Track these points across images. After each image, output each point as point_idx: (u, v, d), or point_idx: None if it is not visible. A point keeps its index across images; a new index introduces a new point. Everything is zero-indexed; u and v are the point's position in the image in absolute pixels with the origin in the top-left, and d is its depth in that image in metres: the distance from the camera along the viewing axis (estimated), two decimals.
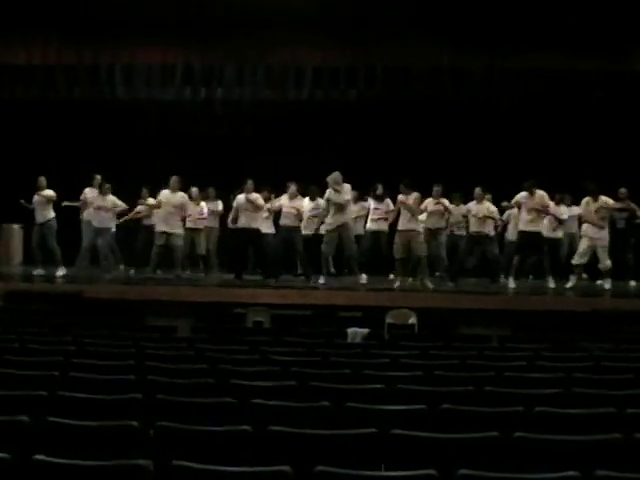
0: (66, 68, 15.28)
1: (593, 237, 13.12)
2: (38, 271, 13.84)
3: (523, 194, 13.06)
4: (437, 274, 14.38)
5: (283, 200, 14.01)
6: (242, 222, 13.39)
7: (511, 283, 13.31)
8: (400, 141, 16.32)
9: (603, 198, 13.17)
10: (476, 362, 7.13)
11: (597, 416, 5.22)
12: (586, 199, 13.22)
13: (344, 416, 5.17)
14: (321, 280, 13.23)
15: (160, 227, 13.55)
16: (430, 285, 12.98)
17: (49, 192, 13.86)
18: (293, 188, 13.96)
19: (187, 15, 14.53)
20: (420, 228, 13.37)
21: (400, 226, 13.19)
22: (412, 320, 10.27)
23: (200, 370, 6.51)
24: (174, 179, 13.57)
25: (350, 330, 9.24)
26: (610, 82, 14.70)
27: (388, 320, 10.18)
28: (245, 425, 4.61)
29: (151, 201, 14.21)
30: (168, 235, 13.45)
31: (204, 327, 9.69)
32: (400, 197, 13.16)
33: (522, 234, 13.17)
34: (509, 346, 8.35)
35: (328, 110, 16.24)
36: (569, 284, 13.33)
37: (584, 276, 13.83)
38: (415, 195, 13.20)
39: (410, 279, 13.25)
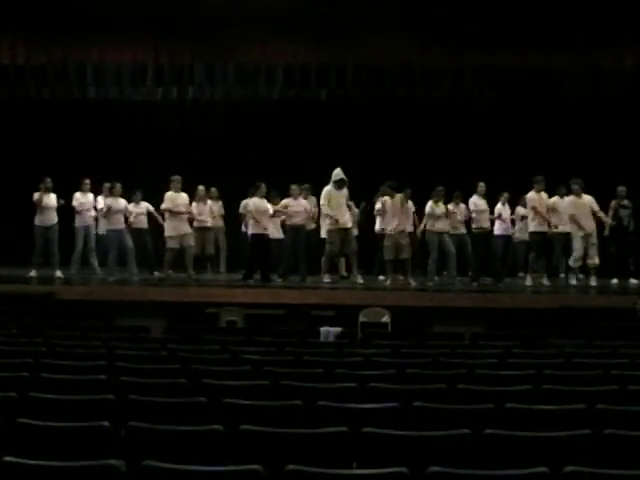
0: (35, 68, 15.16)
1: (585, 233, 13.05)
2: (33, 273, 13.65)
3: (533, 194, 13.23)
4: (469, 274, 14.30)
5: (287, 201, 13.95)
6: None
7: (528, 281, 13.40)
8: (372, 140, 16.32)
9: (588, 197, 13.20)
10: (448, 360, 7.17)
11: (567, 412, 5.27)
12: (571, 197, 13.24)
13: (316, 415, 5.19)
14: (326, 279, 13.24)
15: (172, 231, 13.35)
16: (414, 283, 13.13)
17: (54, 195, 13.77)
18: (295, 188, 13.97)
19: (156, 13, 14.44)
20: (409, 229, 13.60)
21: (390, 228, 13.21)
22: (385, 318, 10.30)
23: (172, 370, 6.49)
24: (177, 179, 13.46)
25: (323, 329, 9.26)
26: (584, 79, 14.78)
27: (361, 319, 10.20)
28: (217, 425, 4.61)
29: (143, 206, 14.19)
30: (181, 237, 13.35)
31: (177, 327, 9.67)
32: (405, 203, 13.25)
33: (534, 235, 13.34)
34: (481, 344, 8.40)
35: (299, 109, 16.25)
36: (572, 281, 13.26)
37: (580, 276, 13.76)
38: (399, 196, 13.32)
39: (401, 277, 13.34)
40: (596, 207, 13.19)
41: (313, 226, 14.13)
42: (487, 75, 14.95)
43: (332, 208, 12.95)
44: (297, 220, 13.78)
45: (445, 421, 4.97)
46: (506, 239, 14.22)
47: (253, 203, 13.38)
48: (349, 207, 13.43)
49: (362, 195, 14.18)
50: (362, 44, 14.69)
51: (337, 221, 12.93)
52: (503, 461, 4.39)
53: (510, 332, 9.31)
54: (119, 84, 15.43)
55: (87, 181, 14.04)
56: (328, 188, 12.99)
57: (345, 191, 13.08)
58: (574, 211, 13.06)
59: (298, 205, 13.83)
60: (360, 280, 13.16)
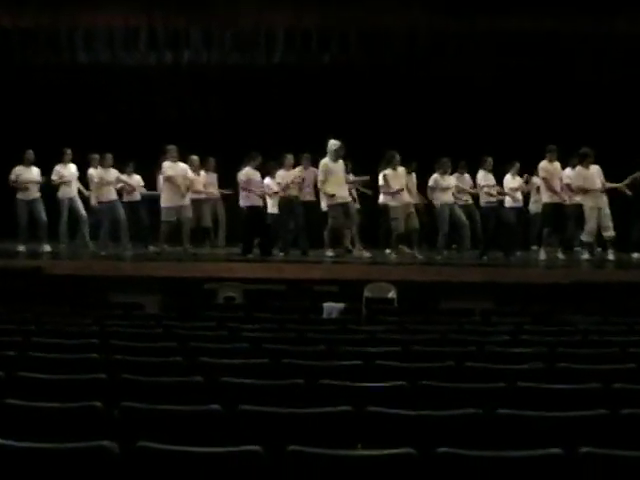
0: (23, 32, 15.05)
1: (596, 204, 12.94)
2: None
3: (545, 163, 13.14)
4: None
5: (280, 173, 13.89)
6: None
7: (542, 255, 13.37)
8: (375, 108, 16.22)
9: (596, 167, 13.07)
10: (457, 337, 7.16)
11: (582, 392, 5.25)
12: (578, 167, 13.11)
13: (318, 394, 5.17)
14: (329, 253, 13.23)
15: (169, 202, 13.20)
16: (420, 256, 13.12)
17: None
18: (290, 157, 13.91)
19: None
20: (414, 200, 13.61)
21: (396, 200, 13.16)
22: (391, 294, 10.30)
23: (168, 348, 6.48)
24: (173, 148, 13.32)
25: (326, 305, 9.25)
26: (600, 44, 14.67)
27: (366, 294, 10.21)
28: (214, 404, 4.60)
29: (136, 178, 14.15)
30: (178, 209, 13.30)
31: (173, 303, 9.67)
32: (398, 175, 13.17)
33: (547, 206, 13.29)
34: (491, 320, 8.40)
35: (300, 75, 16.14)
36: (584, 256, 13.19)
37: (598, 250, 13.68)
38: (402, 168, 13.28)
39: (408, 250, 13.33)
40: (601, 177, 13.07)
41: (313, 198, 14.06)
42: (496, 40, 14.84)
43: (331, 183, 12.86)
44: (290, 192, 13.72)
45: (454, 400, 4.95)
46: (517, 211, 14.14)
47: (245, 174, 13.31)
48: (351, 182, 13.45)
49: (364, 165, 14.09)
50: (367, 7, 14.55)
51: (333, 196, 12.88)
52: (515, 442, 4.37)
53: (522, 308, 9.30)
54: (111, 48, 15.33)
55: (68, 151, 13.90)
56: (325, 161, 12.88)
57: (341, 163, 12.98)
58: (581, 182, 12.95)
59: (291, 175, 13.78)
60: (365, 254, 13.11)
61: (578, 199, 13.08)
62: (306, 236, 13.81)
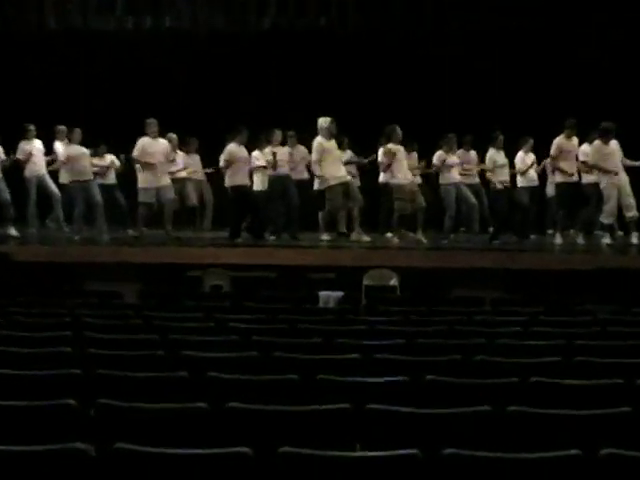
0: None
1: (615, 182, 12.90)
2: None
3: (560, 139, 13.10)
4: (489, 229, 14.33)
5: (268, 149, 13.85)
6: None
7: (557, 239, 13.38)
8: (376, 77, 16.19)
9: (615, 142, 13.01)
10: (465, 328, 7.18)
11: (602, 387, 5.26)
12: (597, 142, 13.06)
13: (314, 390, 5.19)
14: (325, 237, 13.26)
15: (146, 183, 13.13)
16: (425, 240, 13.13)
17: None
18: (278, 133, 13.89)
19: None
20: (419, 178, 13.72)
21: (399, 178, 13.16)
22: (393, 282, 10.32)
23: (148, 341, 6.50)
24: (152, 122, 13.21)
25: (322, 294, 9.27)
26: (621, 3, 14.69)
27: (366, 282, 10.22)
28: (200, 402, 4.60)
29: (109, 159, 14.15)
30: (157, 190, 13.24)
31: (153, 292, 9.67)
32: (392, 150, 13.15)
33: (561, 186, 13.28)
34: (503, 310, 8.40)
35: (294, 41, 16.11)
36: (605, 240, 13.16)
37: (619, 233, 13.68)
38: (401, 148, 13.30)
39: (411, 234, 13.35)
40: (621, 154, 13.01)
41: (306, 176, 14.05)
42: (507, 1, 14.84)
43: (327, 163, 12.85)
44: (281, 170, 13.71)
45: (462, 397, 4.96)
46: (531, 191, 14.14)
47: (229, 150, 13.27)
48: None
49: (363, 140, 14.08)
50: None
51: (330, 179, 12.88)
52: (529, 442, 4.39)
53: (536, 297, 9.31)
54: (83, 13, 15.26)
55: (32, 127, 13.85)
56: (319, 140, 12.85)
57: (333, 142, 12.97)
58: (597, 158, 12.90)
59: (282, 152, 13.76)
60: (365, 238, 13.11)
61: (594, 177, 13.08)
62: (298, 218, 13.80)
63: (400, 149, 13.16)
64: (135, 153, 13.20)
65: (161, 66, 16.56)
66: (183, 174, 14.42)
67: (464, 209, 13.82)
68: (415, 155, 14.05)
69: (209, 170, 14.79)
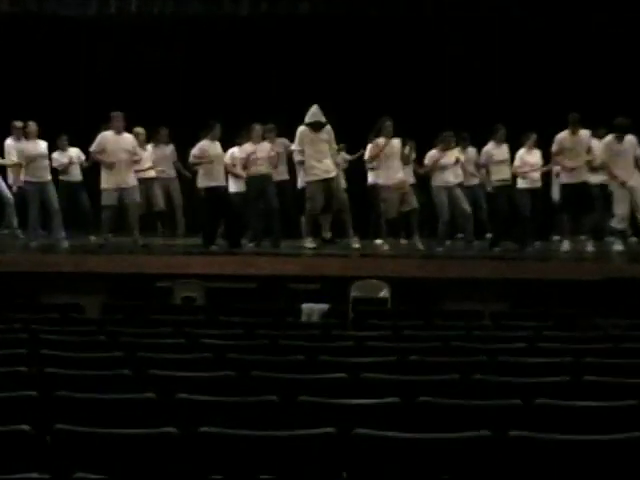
0: None
1: (628, 186, 12.92)
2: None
3: (563, 135, 13.07)
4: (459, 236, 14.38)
5: (247, 146, 13.86)
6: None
7: (564, 246, 13.36)
8: (363, 68, 16.28)
9: (630, 139, 13.01)
10: (463, 344, 7.18)
11: (614, 410, 5.27)
12: (609, 138, 13.08)
13: (295, 413, 5.18)
14: (309, 244, 13.18)
15: (107, 183, 13.00)
16: (421, 246, 13.16)
17: None
18: (257, 128, 13.86)
19: None
20: (411, 180, 13.67)
21: (387, 179, 13.18)
22: (384, 293, 10.32)
23: (113, 359, 6.49)
24: (118, 116, 13.09)
25: (305, 306, 9.29)
26: None
27: (353, 293, 10.22)
28: (169, 427, 4.58)
29: (71, 153, 14.12)
30: (122, 191, 13.16)
31: (118, 305, 9.64)
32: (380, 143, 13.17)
33: (566, 188, 13.25)
34: (504, 324, 8.42)
35: (273, 28, 16.18)
36: (617, 247, 13.15)
37: (633, 239, 13.68)
38: (398, 140, 13.30)
39: (405, 241, 13.35)
40: (637, 151, 13.01)
41: (286, 176, 14.07)
42: None
43: (309, 155, 12.87)
44: (261, 168, 13.67)
45: (459, 420, 4.96)
46: (533, 193, 14.18)
47: (200, 148, 13.25)
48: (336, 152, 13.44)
49: (349, 135, 14.10)
50: None
51: (306, 175, 12.92)
52: (532, 471, 4.38)
53: (541, 310, 9.33)
54: None
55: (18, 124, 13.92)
56: (302, 129, 12.90)
57: (325, 134, 12.96)
58: (607, 157, 12.92)
59: (261, 149, 13.73)
60: (356, 244, 13.10)
61: (602, 178, 13.13)
62: (279, 223, 13.77)
63: (391, 144, 13.16)
64: (92, 148, 13.14)
65: (125, 54, 16.60)
66: (152, 174, 14.37)
67: (457, 215, 13.76)
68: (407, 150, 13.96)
69: (187, 173, 14.73)
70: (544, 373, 6.11)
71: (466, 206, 13.55)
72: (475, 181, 14.35)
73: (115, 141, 12.99)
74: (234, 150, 13.80)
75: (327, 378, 5.94)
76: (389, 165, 13.17)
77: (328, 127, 12.91)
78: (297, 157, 13.14)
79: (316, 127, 12.82)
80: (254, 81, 16.19)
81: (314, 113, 12.87)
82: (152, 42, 16.56)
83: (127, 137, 13.15)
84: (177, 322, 8.15)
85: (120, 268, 11.63)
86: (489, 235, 14.20)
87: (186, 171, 14.61)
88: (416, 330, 7.93)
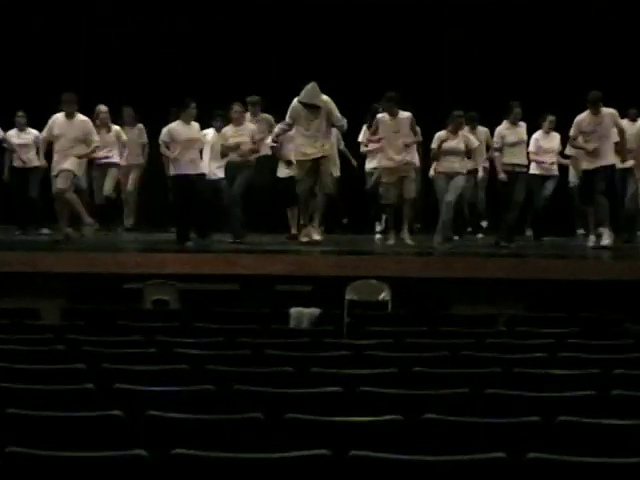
0: None
1: None
2: None
3: (582, 116, 13.05)
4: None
5: (227, 129, 13.84)
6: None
7: (591, 241, 13.33)
8: (365, 50, 16.57)
9: None
10: (474, 354, 7.20)
11: None
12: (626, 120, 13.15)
13: (283, 433, 5.19)
14: (315, 236, 13.25)
15: (54, 170, 13.15)
16: (410, 241, 13.19)
17: None
18: (237, 109, 13.83)
19: None
20: (416, 160, 13.63)
21: (387, 160, 13.21)
22: (384, 295, 10.33)
23: (74, 371, 6.49)
24: (69, 99, 13.14)
25: (294, 311, 9.32)
26: None
27: (349, 296, 10.23)
28: (138, 449, 4.59)
29: (27, 135, 14.16)
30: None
31: (80, 310, 9.65)
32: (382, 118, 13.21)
33: (586, 175, 13.24)
34: (522, 331, 8.43)
35: (272, 10, 16.88)
36: None
37: None
38: (407, 115, 13.30)
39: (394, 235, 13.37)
40: None
41: (268, 151, 14.15)
42: None
43: (300, 132, 12.93)
44: (235, 156, 13.63)
45: (469, 440, 4.97)
46: (548, 180, 14.24)
47: (169, 130, 13.24)
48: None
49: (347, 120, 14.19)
50: None
51: (294, 161, 13.00)
52: None
53: (564, 314, 9.33)
54: None
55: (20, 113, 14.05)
56: (296, 105, 12.96)
57: (322, 118, 12.99)
58: (634, 139, 12.98)
59: (243, 133, 13.69)
60: (316, 236, 13.10)
61: (630, 163, 13.17)
62: (239, 214, 13.77)
63: (399, 121, 13.19)
64: (43, 134, 13.23)
65: (94, 23, 16.83)
66: (114, 159, 14.46)
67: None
68: (418, 130, 13.91)
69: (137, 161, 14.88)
70: (567, 387, 6.12)
71: (452, 197, 13.50)
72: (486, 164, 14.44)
73: (64, 125, 13.02)
74: (208, 132, 13.84)
75: (319, 392, 5.94)
76: (390, 142, 13.19)
77: (327, 105, 12.94)
78: (277, 128, 13.35)
79: (311, 108, 12.87)
80: (252, 62, 16.48)
81: (311, 95, 12.92)
82: (151, 25, 16.86)
83: (79, 120, 13.17)
84: (147, 329, 8.16)
85: (81, 267, 11.60)
86: (484, 223, 14.29)
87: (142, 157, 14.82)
88: (420, 338, 7.96)
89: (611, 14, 16.21)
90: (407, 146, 13.27)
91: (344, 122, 13.23)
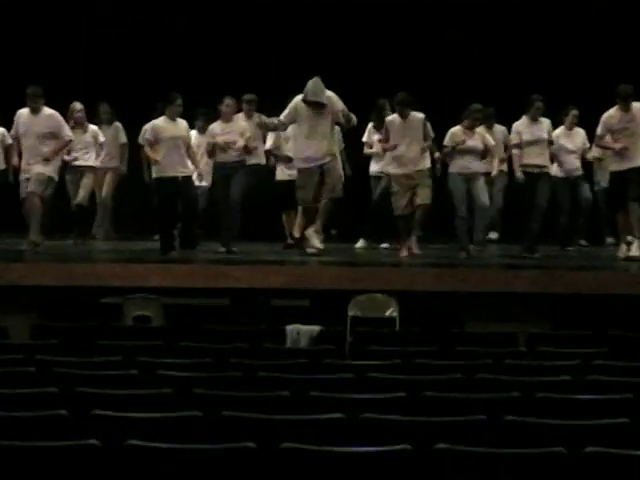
0: None
1: None
2: None
3: (611, 112, 13.02)
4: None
5: (214, 126, 13.82)
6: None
7: (622, 251, 13.30)
8: (365, 50, 16.77)
9: None
10: (492, 377, 7.20)
11: None
12: None
13: (279, 464, 5.18)
14: (316, 243, 13.16)
15: (23, 171, 13.25)
16: (417, 250, 13.27)
17: None
18: (229, 102, 13.81)
19: None
20: (428, 164, 13.62)
21: (399, 167, 13.22)
22: (391, 312, 10.32)
23: (45, 396, 6.47)
24: (34, 92, 13.14)
25: (290, 328, 9.32)
26: None
27: (352, 312, 10.22)
28: None
29: None
30: (30, 180, 13.08)
31: (52, 327, 9.63)
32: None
33: (615, 177, 13.21)
34: (544, 351, 8.44)
35: (272, 9, 17.21)
36: None
37: None
38: (420, 116, 13.29)
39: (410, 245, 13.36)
40: None
41: (262, 160, 14.14)
42: None
43: (300, 134, 12.92)
44: (230, 156, 13.61)
45: (486, 473, 4.96)
46: (572, 184, 14.26)
47: (152, 127, 13.23)
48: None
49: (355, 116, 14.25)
50: None
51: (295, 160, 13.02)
52: None
53: (592, 332, 9.32)
54: None
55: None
56: (299, 102, 12.93)
57: (327, 116, 12.98)
58: None
59: (232, 130, 13.68)
60: (317, 244, 13.04)
61: None
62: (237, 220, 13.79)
63: (412, 121, 13.19)
64: (11, 132, 13.28)
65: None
66: (90, 161, 14.50)
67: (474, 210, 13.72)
68: (429, 128, 13.89)
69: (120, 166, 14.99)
70: (596, 414, 6.11)
71: (483, 199, 13.48)
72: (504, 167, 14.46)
73: (30, 121, 13.05)
74: (193, 134, 13.91)
75: (318, 419, 5.94)
76: (399, 145, 13.19)
77: (332, 101, 12.94)
78: (271, 133, 13.46)
79: (315, 106, 12.86)
80: (253, 63, 16.77)
81: (314, 91, 12.86)
82: (151, 25, 17.26)
83: (46, 115, 13.16)
84: (128, 348, 8.15)
85: (54, 280, 11.58)
86: (493, 236, 14.31)
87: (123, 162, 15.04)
88: (431, 358, 7.96)
89: (612, 14, 16.43)
90: (423, 151, 13.28)
91: (352, 116, 13.20)
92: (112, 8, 17.56)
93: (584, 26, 16.49)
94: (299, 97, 12.92)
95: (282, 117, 13.02)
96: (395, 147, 13.22)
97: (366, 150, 14.72)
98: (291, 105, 12.93)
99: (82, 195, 14.59)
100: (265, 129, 13.54)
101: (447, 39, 16.76)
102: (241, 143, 13.53)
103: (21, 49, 15.71)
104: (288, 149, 13.97)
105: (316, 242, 13.10)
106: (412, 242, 13.29)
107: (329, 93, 12.93)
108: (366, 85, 15.66)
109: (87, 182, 14.61)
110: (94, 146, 14.66)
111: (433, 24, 16.69)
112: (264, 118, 13.15)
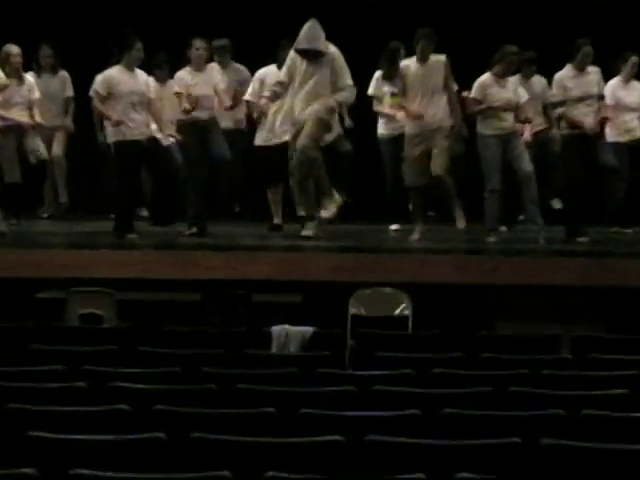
0: None
1: None
2: None
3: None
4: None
5: (183, 74, 13.80)
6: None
7: None
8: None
9: None
10: (528, 390, 7.21)
11: None
12: None
13: None
14: (308, 230, 13.13)
15: None
16: (462, 224, 13.26)
17: None
18: (199, 44, 13.76)
19: None
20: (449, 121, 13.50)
21: (413, 122, 13.26)
22: (402, 309, 10.36)
23: None
24: None
25: (276, 329, 9.33)
26: None
27: (354, 309, 10.26)
28: None
29: None
30: None
31: None
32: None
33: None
34: (595, 358, 8.45)
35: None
36: None
37: None
38: (441, 59, 13.34)
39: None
40: None
41: (240, 125, 14.21)
42: None
43: (295, 95, 12.98)
44: (201, 113, 13.62)
45: None
46: (621, 149, 14.32)
47: (105, 78, 13.23)
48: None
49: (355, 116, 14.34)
50: None
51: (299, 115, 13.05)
52: None
53: None
54: None
55: None
56: (292, 54, 12.98)
57: (326, 67, 13.02)
58: None
59: (203, 81, 13.66)
60: (308, 231, 13.04)
61: None
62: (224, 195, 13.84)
63: (430, 68, 13.21)
64: None
65: None
66: (25, 119, 14.50)
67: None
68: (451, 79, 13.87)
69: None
70: None
71: (528, 166, 13.47)
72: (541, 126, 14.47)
73: None
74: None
75: (312, 442, 5.94)
76: (414, 99, 13.19)
77: (334, 56, 12.97)
78: (268, 91, 13.31)
79: (310, 56, 12.86)
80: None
81: (309, 37, 12.91)
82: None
83: None
84: (72, 355, 8.19)
85: None
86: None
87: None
88: (453, 368, 7.97)
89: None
90: (451, 103, 13.19)
91: (352, 90, 13.22)
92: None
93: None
94: (292, 51, 12.98)
95: (282, 76, 13.10)
96: (421, 115, 13.15)
97: (376, 107, 14.62)
98: (287, 59, 12.99)
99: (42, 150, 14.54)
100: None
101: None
102: (227, 103, 13.63)
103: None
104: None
105: (309, 229, 13.09)
106: (419, 225, 13.20)
107: (332, 47, 12.95)
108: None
109: (34, 138, 14.58)
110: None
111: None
112: (265, 93, 13.34)
